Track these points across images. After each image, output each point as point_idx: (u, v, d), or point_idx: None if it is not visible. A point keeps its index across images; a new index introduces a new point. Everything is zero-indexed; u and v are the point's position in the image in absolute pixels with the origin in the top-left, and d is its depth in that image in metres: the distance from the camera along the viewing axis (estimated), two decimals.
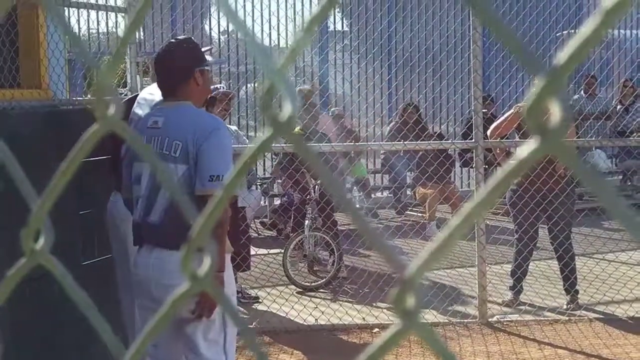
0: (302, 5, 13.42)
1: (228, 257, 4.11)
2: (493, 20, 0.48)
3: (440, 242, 0.53)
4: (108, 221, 5.40)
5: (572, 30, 12.19)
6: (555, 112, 0.46)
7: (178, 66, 4.10)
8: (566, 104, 0.46)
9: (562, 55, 0.47)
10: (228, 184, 0.60)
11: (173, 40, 4.32)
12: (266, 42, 13.42)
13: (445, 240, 0.52)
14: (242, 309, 7.53)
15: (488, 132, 7.42)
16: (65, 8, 7.39)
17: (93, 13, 7.81)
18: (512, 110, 7.58)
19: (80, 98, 7.78)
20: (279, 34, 13.17)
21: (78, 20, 7.99)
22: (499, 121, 7.65)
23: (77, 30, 8.34)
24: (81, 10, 7.60)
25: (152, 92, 5.27)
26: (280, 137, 0.57)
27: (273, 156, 11.44)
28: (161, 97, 4.78)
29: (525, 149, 0.48)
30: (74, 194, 5.16)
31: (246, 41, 0.58)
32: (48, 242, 0.73)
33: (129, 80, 7.68)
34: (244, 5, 12.67)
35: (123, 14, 7.84)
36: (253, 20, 12.48)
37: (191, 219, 0.64)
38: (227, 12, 0.60)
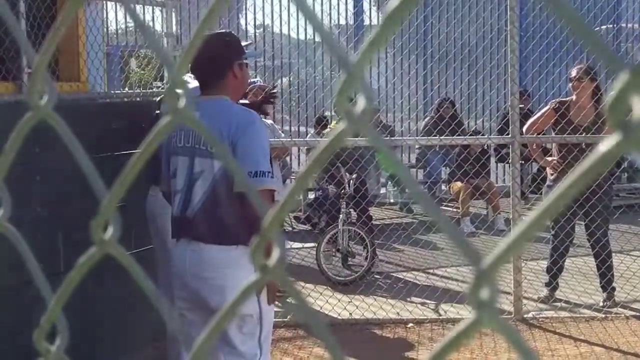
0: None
1: None
2: (572, 18, 0.49)
3: (517, 235, 0.53)
4: (147, 215, 5.46)
5: (611, 25, 12.09)
6: (637, 107, 0.47)
7: (217, 59, 4.08)
8: None
9: None
10: (301, 176, 0.61)
11: (212, 33, 4.28)
12: (302, 36, 13.45)
13: (522, 234, 0.53)
14: (277, 302, 7.55)
15: (524, 128, 7.37)
16: (104, 2, 7.45)
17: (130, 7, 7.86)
18: (548, 106, 7.53)
19: (118, 91, 7.85)
20: (314, 28, 13.15)
21: (116, 14, 8.06)
22: (535, 117, 7.60)
23: (115, 24, 8.42)
24: (119, 4, 7.65)
25: None
26: (355, 130, 0.58)
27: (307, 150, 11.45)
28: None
29: (606, 144, 0.48)
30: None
31: (322, 38, 0.59)
32: (117, 232, 0.75)
33: (166, 74, 7.72)
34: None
35: (161, 8, 7.89)
36: (289, 14, 12.50)
37: (260, 212, 0.65)
38: (304, 9, 0.61)
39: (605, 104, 0.48)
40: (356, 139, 7.78)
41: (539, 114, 7.58)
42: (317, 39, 13.25)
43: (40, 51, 0.79)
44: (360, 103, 0.56)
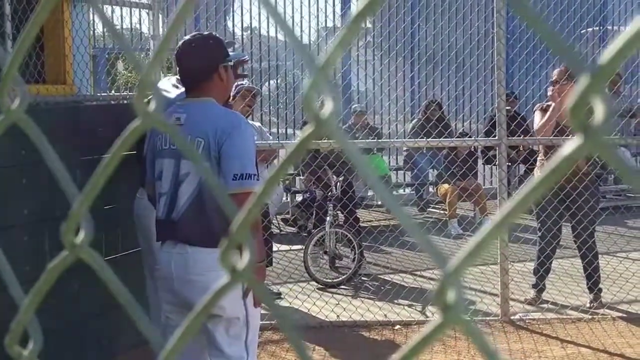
0: (326, 2, 13.43)
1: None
2: (533, 19, 0.49)
3: (481, 238, 0.53)
4: (134, 218, 5.45)
5: (597, 28, 12.13)
6: (598, 110, 0.47)
7: (202, 62, 4.08)
8: (609, 102, 0.46)
9: (605, 54, 0.47)
10: (269, 179, 0.61)
11: (197, 35, 4.27)
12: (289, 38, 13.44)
13: (486, 236, 0.53)
14: (264, 305, 7.55)
15: (537, 130, 7.34)
16: (89, 5, 7.43)
17: (118, 9, 7.85)
18: (551, 109, 7.40)
19: (105, 94, 7.84)
20: (302, 31, 13.19)
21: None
22: (542, 122, 7.40)
23: (101, 27, 8.40)
24: (106, 6, 7.64)
25: (166, 90, 5.29)
26: (323, 133, 0.58)
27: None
28: (172, 95, 4.80)
29: (568, 146, 0.48)
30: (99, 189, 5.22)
31: (288, 38, 0.59)
32: (88, 236, 0.75)
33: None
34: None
35: (147, 11, 7.87)
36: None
37: (230, 215, 0.65)
38: (269, 10, 0.61)
39: (566, 107, 0.48)
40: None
41: (545, 120, 7.37)
42: (304, 41, 13.24)
43: (12, 52, 0.78)
44: (328, 106, 0.56)
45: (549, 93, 7.44)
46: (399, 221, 0.57)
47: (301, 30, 13.20)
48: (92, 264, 0.75)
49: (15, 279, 0.84)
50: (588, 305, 7.35)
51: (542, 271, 7.53)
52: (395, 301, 7.64)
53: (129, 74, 10.89)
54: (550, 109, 7.32)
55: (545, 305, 7.42)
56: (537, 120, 7.46)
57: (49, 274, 0.77)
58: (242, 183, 3.83)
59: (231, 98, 5.47)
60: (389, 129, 13.24)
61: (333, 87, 0.56)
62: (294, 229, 10.84)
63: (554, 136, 7.22)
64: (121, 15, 8.03)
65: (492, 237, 0.53)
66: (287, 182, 11.12)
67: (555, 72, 7.48)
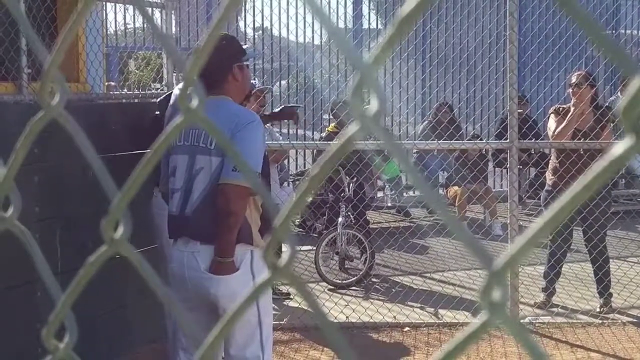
0: (337, 3, 13.43)
1: (258, 254, 4.10)
2: (586, 21, 0.49)
3: (528, 237, 0.54)
4: (150, 215, 5.47)
5: (610, 32, 12.10)
6: None
7: (216, 62, 4.08)
8: None
9: None
10: (311, 178, 0.61)
11: None
12: (301, 39, 13.47)
13: (534, 235, 0.53)
14: (273, 305, 7.56)
15: (552, 133, 7.31)
16: (103, 3, 7.45)
17: (130, 8, 7.87)
18: (570, 114, 7.35)
19: (117, 92, 7.86)
20: (313, 31, 13.20)
21: (115, 15, 8.06)
22: (562, 127, 7.32)
23: (114, 26, 8.42)
24: (119, 5, 7.66)
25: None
26: (368, 132, 0.58)
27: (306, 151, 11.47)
28: None
29: (620, 147, 0.49)
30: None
31: (334, 38, 0.60)
32: (127, 231, 0.76)
33: (165, 76, 7.73)
34: (279, 2, 12.72)
35: (160, 10, 7.89)
36: (288, 17, 12.53)
37: (271, 211, 0.65)
38: (314, 9, 0.61)
39: (618, 108, 0.48)
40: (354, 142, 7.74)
41: (565, 124, 7.29)
42: (316, 42, 13.25)
43: (53, 51, 0.79)
44: (373, 105, 0.57)
45: (573, 100, 7.36)
46: (444, 221, 0.57)
47: (313, 31, 13.21)
48: (131, 259, 0.75)
49: (52, 273, 0.85)
50: (598, 309, 7.34)
51: (552, 275, 7.51)
52: (405, 303, 7.64)
53: (140, 73, 10.92)
54: (570, 114, 7.26)
55: (555, 309, 7.41)
56: (552, 123, 7.43)
57: (87, 269, 0.78)
58: (237, 175, 3.83)
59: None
60: (400, 130, 13.24)
61: (379, 87, 0.57)
62: (302, 230, 10.84)
63: (566, 139, 7.20)
64: (134, 14, 8.06)
65: (538, 238, 0.53)
66: (297, 182, 11.13)
67: (575, 75, 7.44)
